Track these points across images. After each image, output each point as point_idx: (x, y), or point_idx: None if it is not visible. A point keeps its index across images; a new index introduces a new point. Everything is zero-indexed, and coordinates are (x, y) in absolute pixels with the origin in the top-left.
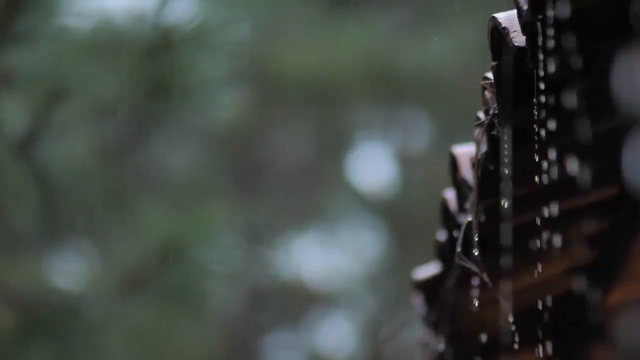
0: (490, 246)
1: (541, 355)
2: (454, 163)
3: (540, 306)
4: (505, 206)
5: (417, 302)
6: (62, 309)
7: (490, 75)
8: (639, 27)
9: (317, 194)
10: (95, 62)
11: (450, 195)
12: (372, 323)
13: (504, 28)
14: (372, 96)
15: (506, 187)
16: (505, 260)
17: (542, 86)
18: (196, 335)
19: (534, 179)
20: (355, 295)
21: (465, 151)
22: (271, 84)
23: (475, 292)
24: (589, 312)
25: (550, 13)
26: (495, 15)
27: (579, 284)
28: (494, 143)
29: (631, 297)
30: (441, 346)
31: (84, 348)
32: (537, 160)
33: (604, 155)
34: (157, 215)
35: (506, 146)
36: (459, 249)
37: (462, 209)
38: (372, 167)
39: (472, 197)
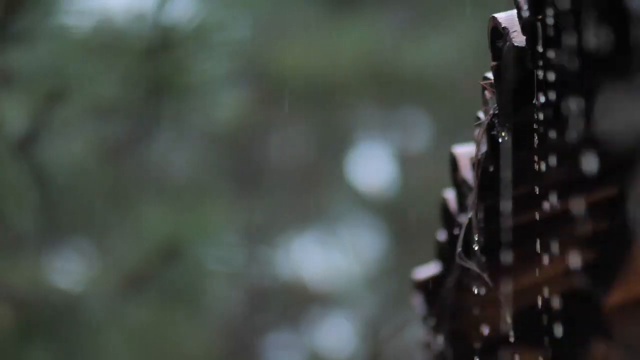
0: (490, 246)
1: (541, 355)
2: (454, 163)
3: (540, 306)
4: (505, 206)
5: (417, 302)
6: (62, 309)
7: (490, 75)
8: (638, 27)
9: (317, 194)
10: (95, 61)
11: (450, 195)
12: (372, 323)
13: (504, 28)
14: (372, 96)
15: (506, 187)
16: (506, 260)
17: (542, 86)
18: (196, 335)
19: (534, 178)
20: (355, 295)
21: (465, 151)
22: (271, 84)
23: (475, 292)
24: (589, 312)
25: (550, 13)
26: (495, 15)
27: (579, 283)
28: (494, 143)
29: (631, 297)
30: (441, 346)
31: (84, 348)
32: (537, 160)
33: (604, 155)
34: (157, 215)
35: (506, 146)
36: (459, 249)
37: (462, 209)
38: (372, 167)
39: (472, 197)
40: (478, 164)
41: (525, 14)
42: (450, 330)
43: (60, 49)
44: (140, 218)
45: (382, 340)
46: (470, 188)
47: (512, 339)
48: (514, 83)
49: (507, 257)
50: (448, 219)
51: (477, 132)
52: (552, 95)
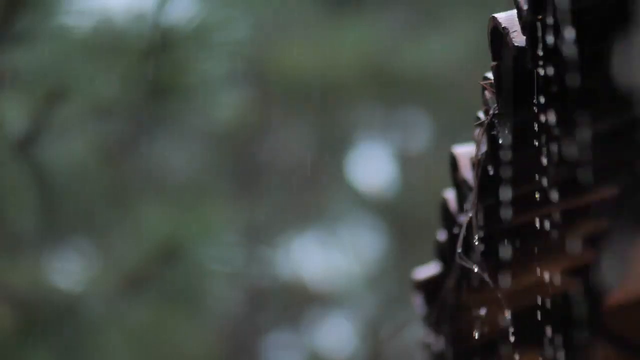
0: (490, 246)
1: (541, 355)
2: (454, 163)
3: (540, 306)
4: (505, 206)
5: (417, 302)
6: (62, 309)
7: (490, 75)
8: (638, 26)
9: (317, 194)
10: (95, 62)
11: (450, 195)
12: (372, 323)
13: (504, 28)
14: (372, 96)
15: (506, 187)
16: (505, 260)
17: (542, 86)
18: (196, 335)
19: (534, 178)
20: (355, 295)
21: (465, 151)
22: (271, 84)
23: (475, 292)
24: (589, 312)
25: (550, 13)
26: (495, 15)
27: (579, 284)
28: (494, 143)
29: (631, 297)
30: (441, 346)
31: (84, 348)
32: (537, 160)
33: (604, 155)
34: (157, 215)
35: (506, 146)
36: (459, 249)
37: (462, 209)
38: (372, 167)
39: (472, 197)
40: (478, 164)
41: (525, 14)
42: (450, 330)
43: (60, 49)
44: (140, 218)
45: (382, 340)
46: (470, 188)
47: (512, 339)
48: (514, 83)
49: (507, 257)
50: (448, 219)
51: (477, 132)
52: (552, 95)
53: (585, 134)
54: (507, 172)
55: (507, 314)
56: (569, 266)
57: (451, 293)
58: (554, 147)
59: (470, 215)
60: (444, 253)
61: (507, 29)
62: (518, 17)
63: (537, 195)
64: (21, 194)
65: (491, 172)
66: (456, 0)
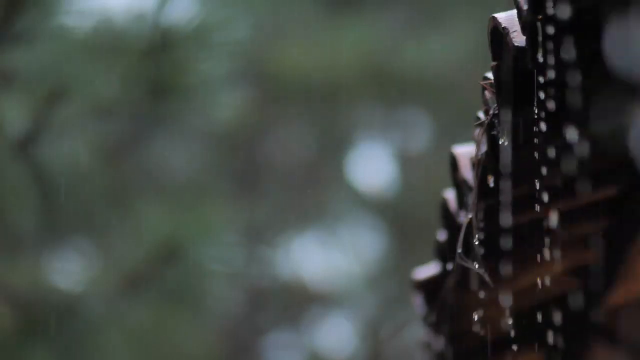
0: (490, 246)
1: (541, 355)
2: (454, 163)
3: (540, 306)
4: (505, 206)
5: (417, 302)
6: (62, 309)
7: (490, 75)
8: (638, 27)
9: (317, 194)
10: (95, 62)
11: (450, 195)
12: (372, 323)
13: (504, 28)
14: (372, 96)
15: (506, 187)
16: (506, 260)
17: (542, 86)
18: (196, 335)
19: (534, 178)
20: (355, 295)
21: (465, 151)
22: (271, 84)
23: (475, 292)
24: (589, 312)
25: (550, 13)
26: (495, 15)
27: (579, 284)
28: (494, 143)
29: (631, 297)
30: (441, 346)
31: (84, 348)
32: (537, 160)
33: (604, 155)
34: (157, 215)
35: (506, 146)
36: (459, 249)
37: (462, 209)
38: (372, 167)
39: (472, 197)
40: (478, 164)
41: (525, 14)
42: (450, 330)
43: (60, 49)
44: (140, 218)
45: (382, 340)
46: (470, 188)
47: (512, 339)
48: (514, 83)
49: (507, 257)
50: (448, 219)
51: (477, 132)
52: (552, 95)
53: (585, 133)
54: (507, 172)
55: (507, 314)
56: (568, 266)
57: (451, 293)
58: (554, 147)
59: (470, 215)
60: (444, 253)
61: (507, 29)
62: (518, 17)
63: (537, 195)
64: (21, 194)
65: (491, 172)
66: (456, 0)
